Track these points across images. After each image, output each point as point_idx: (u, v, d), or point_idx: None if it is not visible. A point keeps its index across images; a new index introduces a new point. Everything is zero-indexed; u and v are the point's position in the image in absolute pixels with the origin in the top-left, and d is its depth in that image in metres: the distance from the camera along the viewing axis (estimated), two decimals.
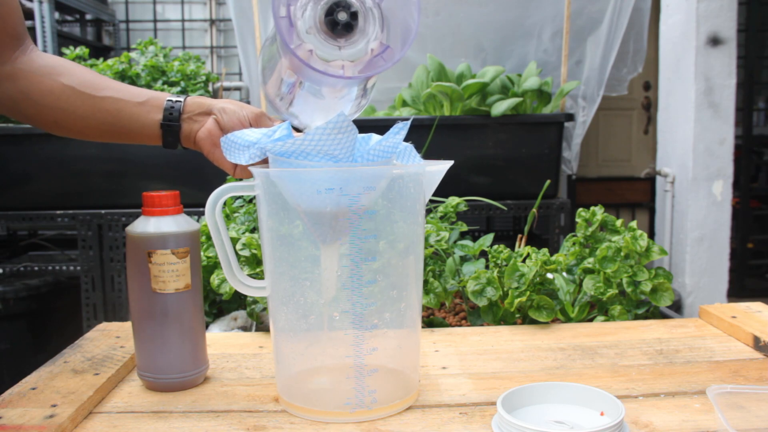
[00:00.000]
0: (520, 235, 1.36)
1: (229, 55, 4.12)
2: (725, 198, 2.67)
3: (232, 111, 0.86)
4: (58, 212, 2.22)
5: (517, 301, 1.06)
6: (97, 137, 0.91)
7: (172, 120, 0.87)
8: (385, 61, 0.71)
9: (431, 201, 1.34)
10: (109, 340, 0.99)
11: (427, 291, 1.14)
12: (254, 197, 1.19)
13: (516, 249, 1.23)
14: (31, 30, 3.02)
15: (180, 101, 0.88)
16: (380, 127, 0.77)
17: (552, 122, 2.22)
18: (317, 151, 0.70)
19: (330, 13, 0.69)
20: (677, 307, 2.54)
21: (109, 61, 2.36)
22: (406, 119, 0.75)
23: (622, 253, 1.14)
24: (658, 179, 2.94)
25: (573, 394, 0.75)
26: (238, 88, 3.28)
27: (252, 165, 0.80)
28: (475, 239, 1.27)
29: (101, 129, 0.89)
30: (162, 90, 2.32)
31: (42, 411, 0.73)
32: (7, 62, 0.87)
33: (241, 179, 0.87)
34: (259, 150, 0.79)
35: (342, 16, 0.69)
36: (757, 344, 0.95)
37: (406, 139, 0.78)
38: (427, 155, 0.85)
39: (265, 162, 0.79)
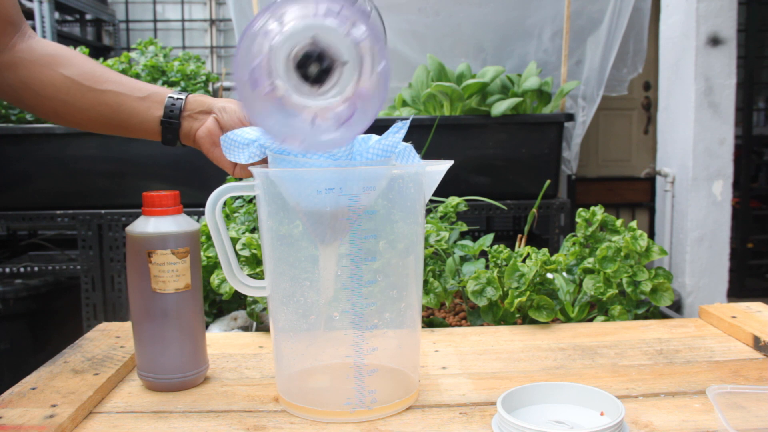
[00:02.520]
0: (520, 235, 1.36)
1: (229, 55, 4.12)
2: (725, 198, 2.67)
3: (232, 110, 0.86)
4: (58, 212, 2.21)
5: (517, 301, 1.06)
6: (96, 129, 0.91)
7: (172, 117, 0.87)
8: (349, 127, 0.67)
9: (431, 201, 1.34)
10: (109, 340, 0.99)
11: (427, 291, 1.14)
12: (254, 197, 1.19)
13: (516, 249, 1.23)
14: None
15: (181, 99, 0.88)
16: (380, 127, 0.76)
17: (552, 122, 2.22)
18: None
19: (302, 65, 0.65)
20: (677, 307, 2.54)
21: (109, 61, 2.36)
22: (406, 119, 0.75)
23: (622, 253, 1.14)
24: (658, 179, 2.93)
25: (573, 394, 0.74)
26: None
27: (252, 164, 0.80)
28: (475, 239, 1.27)
29: (101, 121, 0.89)
30: None
31: (42, 411, 0.73)
32: (6, 50, 0.85)
33: (240, 179, 0.87)
34: (259, 148, 0.79)
35: (313, 70, 0.65)
36: (757, 344, 0.95)
37: (406, 139, 0.78)
38: (427, 155, 0.85)
39: (264, 161, 0.79)
